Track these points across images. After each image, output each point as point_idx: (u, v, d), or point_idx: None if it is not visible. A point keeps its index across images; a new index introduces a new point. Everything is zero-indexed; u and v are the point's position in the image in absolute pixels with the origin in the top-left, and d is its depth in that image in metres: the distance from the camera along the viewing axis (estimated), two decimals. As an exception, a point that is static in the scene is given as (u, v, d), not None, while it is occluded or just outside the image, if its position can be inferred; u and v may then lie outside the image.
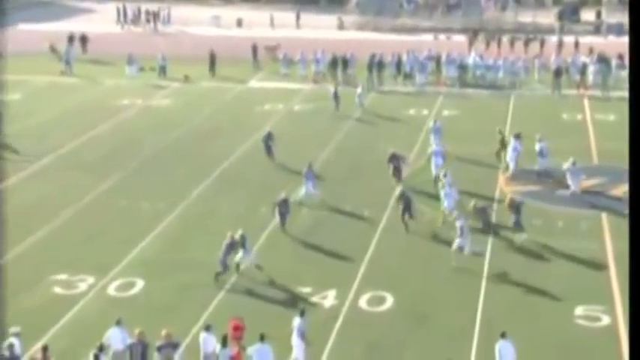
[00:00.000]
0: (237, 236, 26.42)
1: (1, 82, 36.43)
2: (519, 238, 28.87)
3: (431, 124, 39.76)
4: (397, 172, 33.92)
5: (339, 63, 51.77)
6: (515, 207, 29.44)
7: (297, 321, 21.67)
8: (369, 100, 46.56)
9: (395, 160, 34.04)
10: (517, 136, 35.69)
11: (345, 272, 26.79)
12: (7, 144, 38.53)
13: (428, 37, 63.92)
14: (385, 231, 29.91)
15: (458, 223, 27.52)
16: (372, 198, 32.48)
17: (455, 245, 27.30)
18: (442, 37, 64.82)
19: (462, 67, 51.61)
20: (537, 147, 35.23)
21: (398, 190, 30.63)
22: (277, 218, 29.56)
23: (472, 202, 30.11)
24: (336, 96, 45.00)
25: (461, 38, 62.14)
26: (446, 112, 45.49)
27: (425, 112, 45.17)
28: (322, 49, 52.95)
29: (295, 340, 21.42)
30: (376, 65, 50.98)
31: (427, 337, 23.39)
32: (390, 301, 25.22)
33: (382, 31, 67.04)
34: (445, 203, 30.59)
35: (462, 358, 22.05)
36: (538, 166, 35.14)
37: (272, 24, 68.53)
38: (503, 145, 36.16)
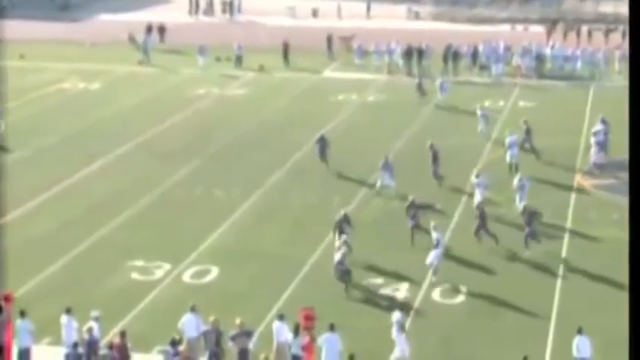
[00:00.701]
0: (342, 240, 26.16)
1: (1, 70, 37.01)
2: (528, 250, 27.27)
3: (478, 112, 39.33)
4: (434, 163, 33.01)
5: (414, 54, 51.47)
6: (529, 216, 27.52)
7: (397, 315, 21.57)
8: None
9: (432, 149, 33.32)
10: (603, 121, 35.50)
11: (417, 264, 26.65)
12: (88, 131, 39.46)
13: (505, 28, 63.09)
14: (459, 222, 29.68)
15: (434, 234, 25.85)
16: (446, 190, 32.26)
17: (430, 259, 25.70)
18: (519, 27, 63.91)
19: (540, 58, 50.85)
20: (593, 140, 34.89)
21: (409, 199, 28.63)
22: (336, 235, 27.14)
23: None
24: (420, 87, 44.64)
25: (539, 29, 61.15)
26: (522, 104, 44.91)
27: (501, 103, 44.65)
28: (397, 40, 52.71)
29: (396, 335, 21.31)
30: (452, 56, 50.57)
31: (501, 331, 23.17)
32: (463, 293, 25.06)
33: (458, 22, 66.38)
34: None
35: (537, 353, 21.75)
36: (595, 159, 34.61)
37: (339, 14, 68.42)
38: (528, 135, 35.93)
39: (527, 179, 30.82)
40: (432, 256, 25.67)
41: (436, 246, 25.81)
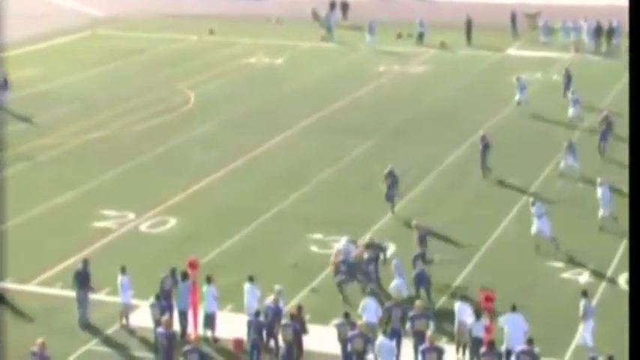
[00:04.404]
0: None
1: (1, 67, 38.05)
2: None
3: (569, 95, 37.77)
4: (484, 154, 31.46)
5: (604, 32, 49.47)
6: (420, 238, 24.89)
7: (582, 302, 20.91)
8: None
9: (484, 140, 31.80)
10: None
11: (603, 248, 25.76)
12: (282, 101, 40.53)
13: None
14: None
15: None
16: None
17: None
18: None
19: None
20: None
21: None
22: None
23: None
24: (567, 76, 41.04)
25: None
26: None
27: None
28: (585, 17, 50.84)
29: (584, 322, 20.77)
30: (645, 34, 48.15)
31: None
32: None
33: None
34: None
35: None
36: None
37: None
38: (607, 132, 33.54)
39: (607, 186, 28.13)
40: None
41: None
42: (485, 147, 31.89)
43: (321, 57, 51.03)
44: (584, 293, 21.17)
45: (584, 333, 20.77)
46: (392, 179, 29.14)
